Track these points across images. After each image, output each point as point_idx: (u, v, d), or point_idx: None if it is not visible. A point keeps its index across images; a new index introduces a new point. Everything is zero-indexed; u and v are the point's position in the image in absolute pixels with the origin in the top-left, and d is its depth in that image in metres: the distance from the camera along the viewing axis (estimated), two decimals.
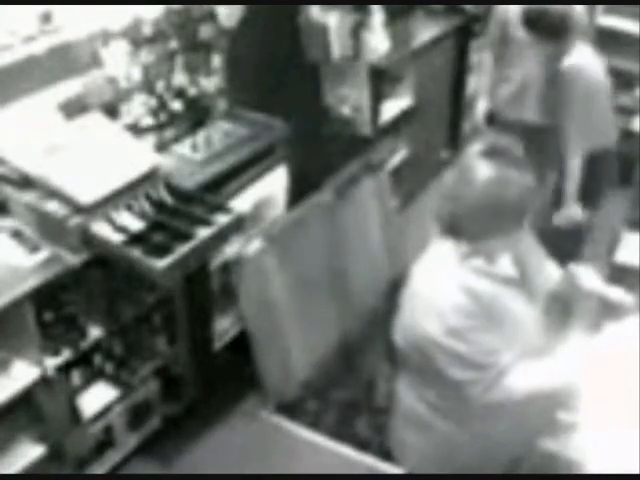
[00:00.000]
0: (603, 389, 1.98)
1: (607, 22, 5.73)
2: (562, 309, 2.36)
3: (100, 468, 3.08)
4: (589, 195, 3.47)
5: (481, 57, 4.44)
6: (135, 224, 2.79)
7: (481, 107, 4.05)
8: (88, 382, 3.00)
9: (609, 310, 2.27)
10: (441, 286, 1.96)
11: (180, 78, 3.45)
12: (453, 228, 1.95)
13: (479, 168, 1.88)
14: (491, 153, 1.91)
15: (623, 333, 2.06)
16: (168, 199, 2.93)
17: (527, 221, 1.97)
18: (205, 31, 3.52)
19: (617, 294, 2.30)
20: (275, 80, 3.83)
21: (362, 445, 3.32)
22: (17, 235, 2.77)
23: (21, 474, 2.74)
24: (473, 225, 1.91)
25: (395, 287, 3.90)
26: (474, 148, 1.94)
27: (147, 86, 3.31)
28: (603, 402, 1.98)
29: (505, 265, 2.04)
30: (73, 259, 2.69)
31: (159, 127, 3.34)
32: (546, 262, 2.29)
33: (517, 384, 1.95)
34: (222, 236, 2.89)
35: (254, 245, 3.29)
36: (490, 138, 2.04)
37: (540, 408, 2.08)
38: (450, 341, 1.91)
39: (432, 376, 2.00)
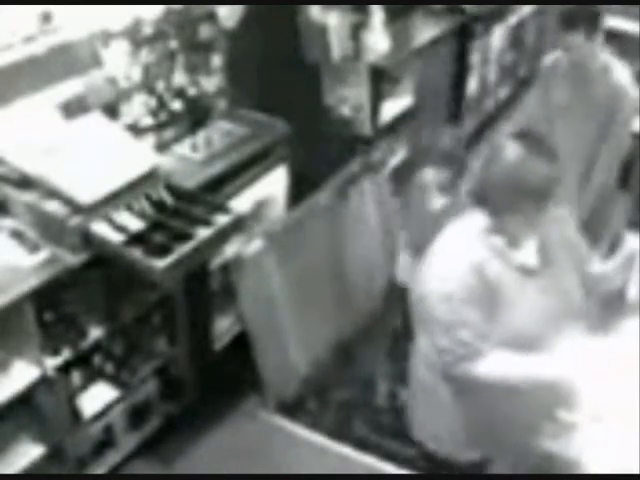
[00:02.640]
0: (604, 389, 1.98)
1: (607, 22, 5.74)
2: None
3: (100, 468, 3.08)
4: None
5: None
6: (135, 224, 2.79)
7: None
8: (88, 382, 3.00)
9: (613, 310, 2.28)
10: (454, 254, 2.07)
11: (180, 78, 3.45)
12: (480, 199, 2.08)
13: (507, 148, 2.02)
14: (522, 136, 2.05)
15: (625, 334, 2.06)
16: (168, 199, 2.92)
17: (551, 212, 2.06)
18: (205, 31, 3.52)
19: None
20: (275, 80, 3.82)
21: (362, 445, 3.32)
22: (17, 235, 2.77)
23: (21, 474, 2.74)
24: (495, 199, 2.03)
25: (394, 287, 3.93)
26: (507, 128, 2.06)
27: (147, 86, 3.31)
28: (604, 402, 1.99)
29: (528, 253, 2.11)
30: (73, 259, 2.69)
31: (159, 127, 3.34)
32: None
33: (488, 370, 2.05)
34: (222, 236, 2.89)
35: (254, 245, 3.30)
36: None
37: (538, 400, 2.10)
38: (441, 306, 2.03)
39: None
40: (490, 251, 2.06)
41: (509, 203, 2.02)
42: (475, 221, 2.11)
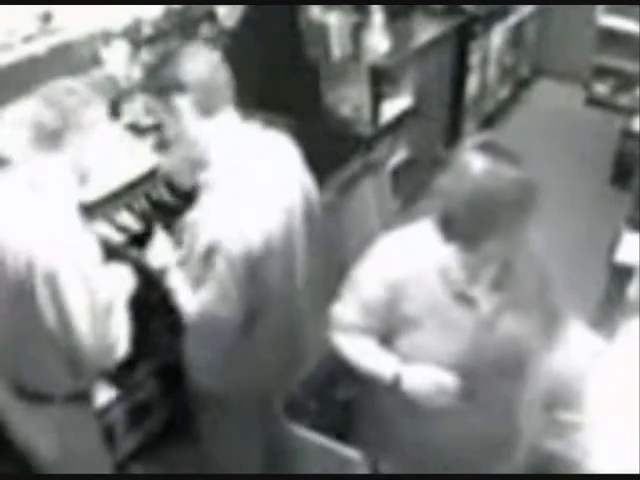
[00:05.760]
0: (606, 390, 1.98)
1: (607, 22, 5.75)
2: None
3: None
4: None
5: None
6: (135, 224, 2.79)
7: None
8: None
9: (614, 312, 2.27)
10: (386, 263, 2.05)
11: None
12: (447, 228, 1.86)
13: (472, 162, 1.79)
14: (485, 147, 1.81)
15: (626, 334, 2.06)
16: (168, 199, 2.92)
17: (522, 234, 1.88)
18: (205, 31, 3.52)
19: None
20: (275, 80, 3.82)
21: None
22: None
23: (22, 474, 2.74)
24: (467, 224, 1.82)
25: None
26: (468, 143, 1.87)
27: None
28: (607, 402, 1.98)
29: (481, 291, 1.92)
30: None
31: (159, 127, 3.34)
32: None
33: (345, 346, 2.26)
34: None
35: None
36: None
37: None
38: (351, 283, 2.18)
39: None
40: (442, 286, 1.91)
41: (484, 225, 1.80)
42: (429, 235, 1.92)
